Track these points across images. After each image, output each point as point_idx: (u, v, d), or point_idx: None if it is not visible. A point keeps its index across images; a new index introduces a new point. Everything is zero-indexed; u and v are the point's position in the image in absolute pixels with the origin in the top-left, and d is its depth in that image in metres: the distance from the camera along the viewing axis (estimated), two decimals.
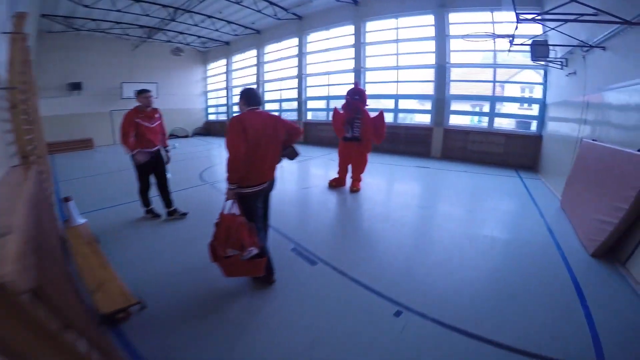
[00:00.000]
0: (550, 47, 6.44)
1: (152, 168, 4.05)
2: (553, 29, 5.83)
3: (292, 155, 2.82)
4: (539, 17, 4.17)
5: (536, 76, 8.19)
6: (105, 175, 7.61)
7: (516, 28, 4.40)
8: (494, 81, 8.55)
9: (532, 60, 6.88)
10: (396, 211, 4.45)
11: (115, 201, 5.00)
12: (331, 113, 6.22)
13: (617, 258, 3.01)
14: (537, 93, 8.63)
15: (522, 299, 2.40)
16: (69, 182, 6.80)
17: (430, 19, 8.94)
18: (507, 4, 5.46)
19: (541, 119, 8.09)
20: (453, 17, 8.63)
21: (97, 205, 4.83)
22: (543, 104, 8.01)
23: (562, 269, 2.88)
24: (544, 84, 8.00)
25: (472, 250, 3.21)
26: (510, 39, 5.44)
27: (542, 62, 6.89)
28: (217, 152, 11.00)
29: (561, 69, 6.64)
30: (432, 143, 9.43)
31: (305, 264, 2.87)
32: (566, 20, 3.75)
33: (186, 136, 16.92)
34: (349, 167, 5.77)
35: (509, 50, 6.69)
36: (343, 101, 5.70)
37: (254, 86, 14.45)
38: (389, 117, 10.86)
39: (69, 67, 13.76)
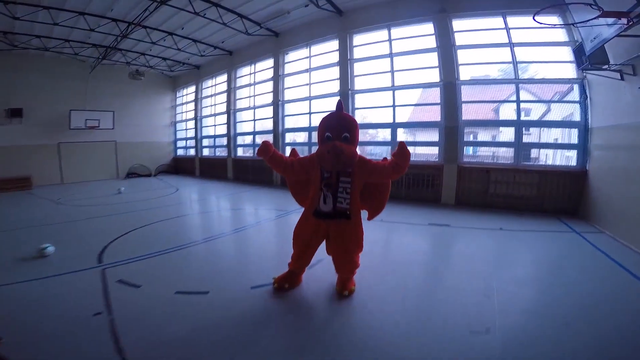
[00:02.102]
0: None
1: None
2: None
3: None
4: None
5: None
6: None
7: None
8: (518, 100, 6.90)
9: (582, 69, 5.26)
10: (434, 348, 2.14)
11: None
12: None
13: None
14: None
15: None
16: None
17: (429, 28, 7.57)
18: None
19: (583, 148, 6.40)
20: (457, 24, 7.27)
21: None
22: (584, 129, 6.35)
23: None
24: (581, 102, 6.38)
25: None
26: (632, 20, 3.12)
27: (594, 73, 5.22)
28: (174, 201, 8.77)
29: (621, 79, 4.94)
30: (442, 185, 7.50)
31: None
32: None
33: (149, 175, 15.02)
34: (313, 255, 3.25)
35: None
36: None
37: (224, 116, 12.86)
38: (383, 153, 9.11)
39: (11, 91, 12.21)
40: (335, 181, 2.82)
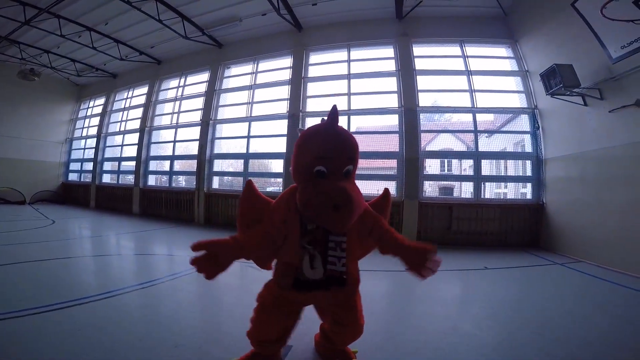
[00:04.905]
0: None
1: None
2: None
3: None
4: None
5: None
6: None
7: None
8: (476, 130, 7.13)
9: (552, 95, 5.50)
10: None
11: None
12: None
13: None
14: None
15: None
16: None
17: (389, 51, 7.89)
18: None
19: (537, 180, 6.74)
20: (417, 50, 7.70)
21: None
22: (536, 160, 6.76)
23: None
24: (532, 133, 6.87)
25: None
26: None
27: (562, 97, 5.50)
28: (36, 238, 6.23)
29: (585, 105, 5.23)
30: (403, 223, 6.96)
31: None
32: None
33: (21, 202, 11.95)
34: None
35: None
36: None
37: (136, 135, 11.15)
38: None
39: None
40: (322, 236, 1.77)
